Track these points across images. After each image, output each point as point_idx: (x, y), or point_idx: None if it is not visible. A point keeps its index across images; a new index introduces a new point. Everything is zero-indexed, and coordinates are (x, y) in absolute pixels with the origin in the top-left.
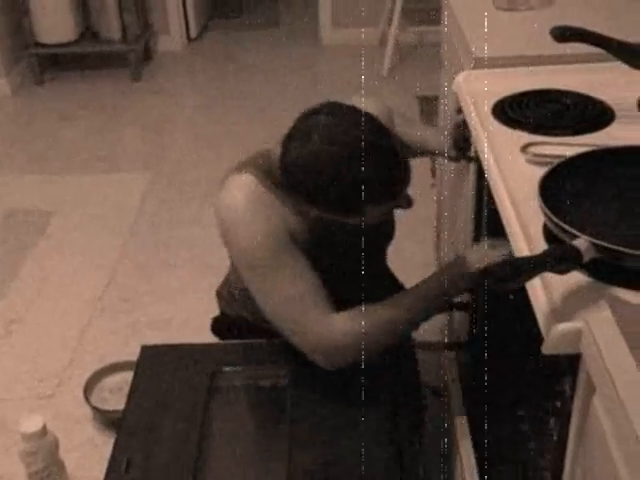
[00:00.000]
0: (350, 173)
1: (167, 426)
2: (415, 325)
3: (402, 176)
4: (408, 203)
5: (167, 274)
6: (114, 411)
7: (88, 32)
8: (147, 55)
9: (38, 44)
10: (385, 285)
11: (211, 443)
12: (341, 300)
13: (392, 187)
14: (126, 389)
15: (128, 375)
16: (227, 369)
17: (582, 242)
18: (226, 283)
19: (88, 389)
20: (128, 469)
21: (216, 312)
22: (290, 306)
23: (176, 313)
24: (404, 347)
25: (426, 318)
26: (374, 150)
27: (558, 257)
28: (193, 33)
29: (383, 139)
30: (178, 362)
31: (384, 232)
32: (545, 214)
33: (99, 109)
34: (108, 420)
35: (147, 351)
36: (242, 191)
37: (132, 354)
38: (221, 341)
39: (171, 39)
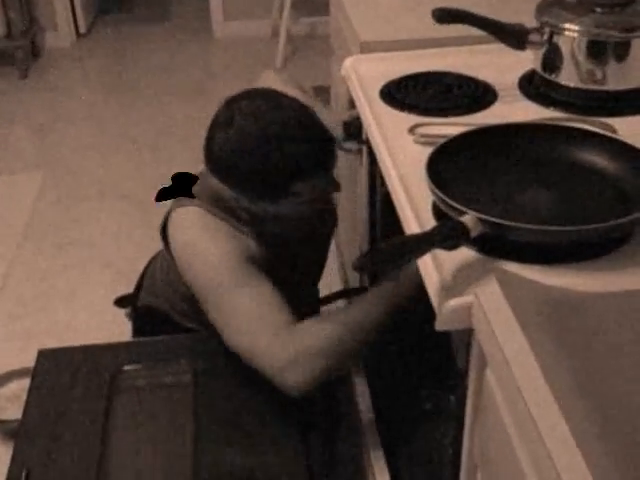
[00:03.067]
0: (273, 147)
1: (68, 432)
2: (377, 328)
3: (326, 149)
4: (334, 186)
5: (63, 276)
6: (13, 420)
7: None
8: (35, 52)
9: None
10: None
11: (114, 447)
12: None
13: (317, 160)
14: (25, 397)
15: (26, 382)
16: (128, 368)
17: (469, 218)
18: (149, 274)
19: None
20: None
21: (115, 311)
22: (250, 327)
23: (74, 315)
24: None
25: (381, 325)
26: (298, 125)
27: (446, 233)
28: (82, 28)
29: (306, 115)
30: (77, 365)
31: (328, 219)
32: (433, 192)
33: None
34: (7, 430)
35: (44, 355)
36: (192, 222)
37: (30, 361)
38: (122, 340)
39: (59, 35)
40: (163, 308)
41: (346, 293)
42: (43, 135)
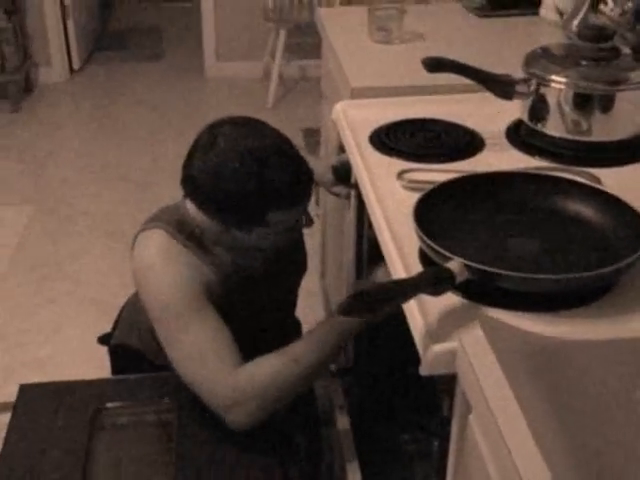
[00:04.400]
0: (254, 174)
1: (48, 469)
2: (320, 368)
3: (305, 181)
4: (308, 221)
5: (48, 311)
6: None
7: None
8: (28, 87)
9: None
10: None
11: None
12: (257, 349)
13: (295, 191)
14: (4, 433)
15: (6, 417)
16: (111, 405)
17: (455, 264)
18: (126, 312)
19: None
20: None
21: (99, 347)
22: (195, 362)
23: (58, 351)
24: None
25: (328, 359)
26: (279, 154)
27: (432, 279)
28: (76, 65)
29: (287, 145)
30: (59, 400)
31: (296, 264)
32: (420, 237)
33: None
34: None
35: (26, 390)
36: (154, 245)
37: (11, 395)
38: (104, 377)
39: (53, 70)
40: (136, 346)
41: None
42: (33, 169)
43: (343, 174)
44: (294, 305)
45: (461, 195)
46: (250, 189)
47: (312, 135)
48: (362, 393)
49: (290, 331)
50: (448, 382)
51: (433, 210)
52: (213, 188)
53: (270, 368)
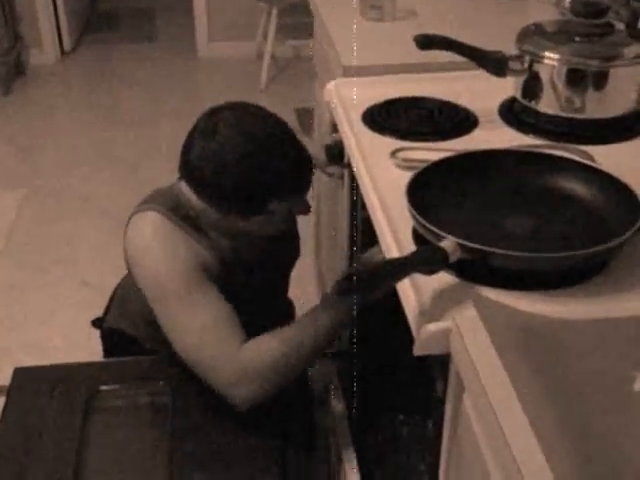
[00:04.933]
0: (257, 162)
1: (42, 452)
2: (318, 349)
3: (307, 170)
4: (306, 208)
5: (41, 294)
6: None
7: None
8: (19, 69)
9: None
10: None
11: (89, 468)
12: (252, 329)
13: (297, 180)
14: None
15: (1, 400)
16: (105, 388)
17: (448, 243)
18: (118, 296)
19: None
20: None
21: (93, 330)
22: (198, 341)
23: (51, 334)
24: None
25: (329, 338)
26: (281, 142)
27: (426, 258)
28: (67, 46)
29: (289, 133)
30: (53, 384)
31: (291, 249)
32: (413, 216)
33: None
34: None
35: (20, 374)
36: (149, 226)
37: (5, 379)
38: (98, 360)
39: (43, 52)
40: (127, 330)
41: None
42: (25, 152)
43: (336, 154)
44: (286, 288)
45: (454, 174)
46: (253, 178)
47: (306, 115)
48: (357, 375)
49: (283, 312)
50: (442, 362)
51: (426, 189)
52: (214, 176)
53: (274, 346)
